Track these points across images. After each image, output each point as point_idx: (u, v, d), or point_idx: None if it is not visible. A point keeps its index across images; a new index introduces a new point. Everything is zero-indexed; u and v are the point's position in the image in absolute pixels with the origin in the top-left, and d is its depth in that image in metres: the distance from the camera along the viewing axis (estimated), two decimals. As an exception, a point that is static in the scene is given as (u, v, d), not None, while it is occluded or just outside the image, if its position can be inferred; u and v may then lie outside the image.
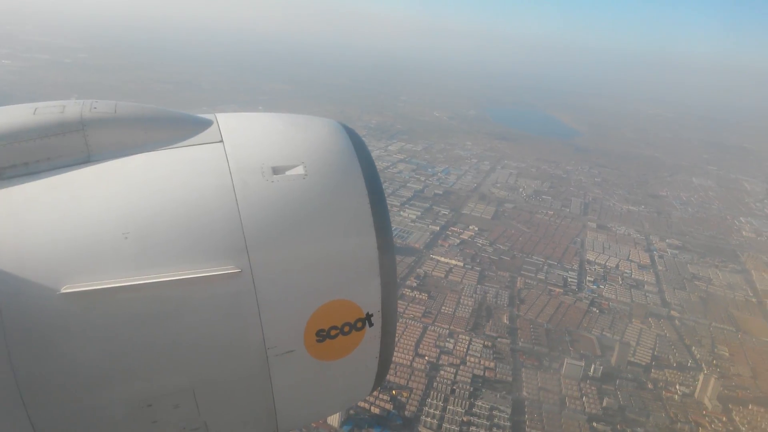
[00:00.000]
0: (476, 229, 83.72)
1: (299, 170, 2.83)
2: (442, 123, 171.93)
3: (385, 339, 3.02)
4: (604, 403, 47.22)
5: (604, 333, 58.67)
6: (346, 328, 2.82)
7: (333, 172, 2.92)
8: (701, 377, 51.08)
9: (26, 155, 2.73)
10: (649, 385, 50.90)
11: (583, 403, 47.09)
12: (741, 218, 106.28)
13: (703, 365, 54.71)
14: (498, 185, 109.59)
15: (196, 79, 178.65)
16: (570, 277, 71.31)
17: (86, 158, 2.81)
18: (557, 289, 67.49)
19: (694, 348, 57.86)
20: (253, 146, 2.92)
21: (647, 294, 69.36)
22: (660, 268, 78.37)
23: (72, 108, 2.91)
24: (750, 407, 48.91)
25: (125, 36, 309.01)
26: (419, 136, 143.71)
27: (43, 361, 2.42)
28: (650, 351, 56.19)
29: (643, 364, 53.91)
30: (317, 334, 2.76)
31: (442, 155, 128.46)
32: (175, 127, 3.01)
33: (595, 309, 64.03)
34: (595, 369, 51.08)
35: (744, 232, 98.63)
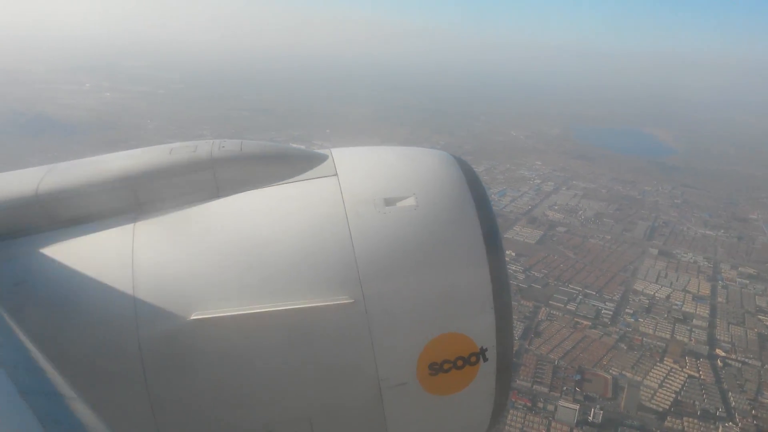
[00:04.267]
0: (513, 254, 78.69)
1: (410, 201, 2.88)
2: (517, 142, 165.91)
3: (501, 375, 2.97)
4: (594, 454, 42.14)
5: (623, 372, 52.53)
6: (460, 362, 2.81)
7: (444, 203, 2.95)
8: (720, 428, 44.03)
9: (163, 192, 3.00)
10: (659, 436, 44.71)
11: (568, 453, 42.30)
12: None
13: (736, 415, 47.11)
14: (555, 207, 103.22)
15: (274, 106, 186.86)
16: (606, 309, 64.84)
17: (215, 193, 3.03)
18: (585, 322, 61.75)
19: (731, 394, 50.02)
20: (365, 179, 3.03)
21: (693, 329, 61.29)
22: (720, 299, 69.23)
23: (203, 147, 3.15)
24: (782, 470, 41.39)
25: (220, 66, 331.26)
26: (485, 157, 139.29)
27: (174, 384, 2.59)
28: (674, 395, 49.41)
29: (660, 410, 47.34)
30: (430, 367, 2.77)
31: (503, 176, 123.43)
32: (293, 162, 3.17)
33: (623, 345, 57.64)
34: (595, 414, 45.80)
35: None
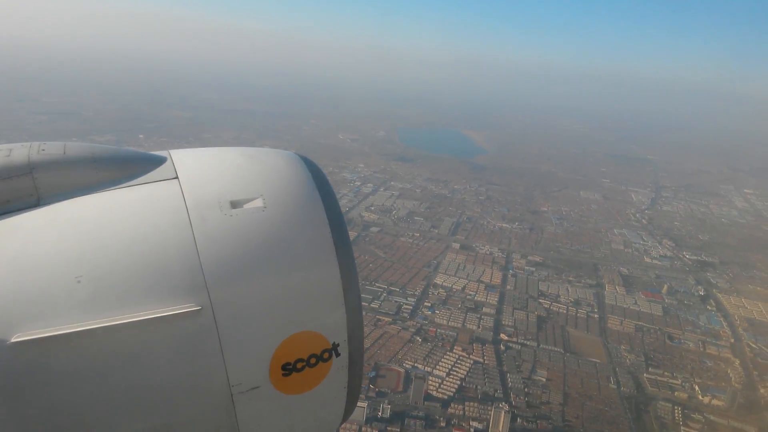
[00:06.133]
0: (324, 256, 78.84)
1: (258, 203, 2.80)
2: (343, 145, 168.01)
3: (353, 368, 3.01)
4: (378, 450, 42.75)
5: (416, 365, 54.43)
6: (313, 360, 2.80)
7: (293, 204, 2.89)
8: (492, 411, 47.29)
9: None
10: (441, 423, 46.65)
11: (354, 451, 42.43)
12: (615, 230, 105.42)
13: (511, 394, 50.99)
14: (372, 208, 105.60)
15: (80, 108, 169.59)
16: (406, 304, 67.08)
17: (36, 202, 2.75)
18: (386, 318, 63.24)
19: (509, 375, 54.20)
20: (209, 181, 2.89)
21: (483, 317, 65.73)
22: (509, 287, 75.33)
23: (19, 151, 2.86)
24: (545, 440, 45.34)
25: (15, 65, 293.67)
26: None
27: None
28: (459, 382, 52.18)
29: (445, 398, 49.65)
30: (283, 367, 2.72)
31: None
32: (127, 165, 2.95)
33: (418, 338, 59.87)
34: (383, 408, 46.63)
35: (613, 245, 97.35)
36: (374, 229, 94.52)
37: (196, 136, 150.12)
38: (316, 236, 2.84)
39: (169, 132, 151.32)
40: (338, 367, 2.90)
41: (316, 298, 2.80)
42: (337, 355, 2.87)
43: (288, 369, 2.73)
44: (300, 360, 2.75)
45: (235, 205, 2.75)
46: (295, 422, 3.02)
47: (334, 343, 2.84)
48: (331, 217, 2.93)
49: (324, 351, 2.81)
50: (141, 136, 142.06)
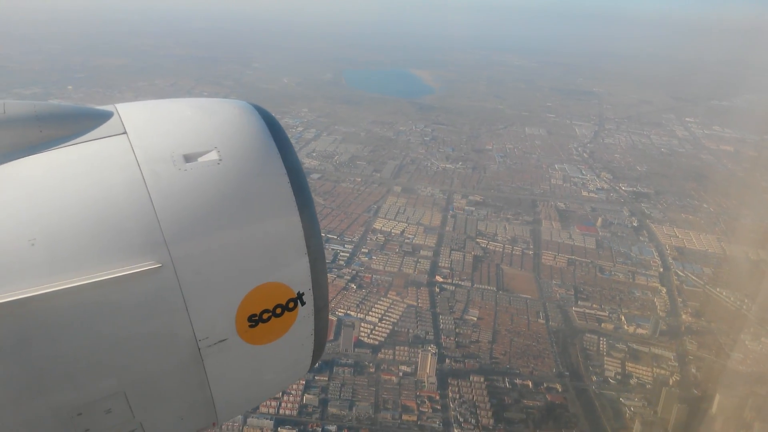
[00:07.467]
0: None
1: (213, 156, 2.75)
2: (287, 90, 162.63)
3: (319, 316, 3.08)
4: (304, 400, 42.78)
5: (349, 312, 54.37)
6: (278, 310, 2.83)
7: (249, 155, 2.85)
8: (420, 353, 47.87)
9: None
10: (371, 369, 47.05)
11: (280, 403, 42.30)
12: (556, 165, 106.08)
13: (442, 335, 51.65)
14: (314, 154, 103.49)
15: (1, 59, 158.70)
16: (343, 251, 66.51)
17: None
18: (321, 267, 62.60)
19: (441, 317, 54.77)
20: (160, 135, 2.82)
21: (420, 260, 65.81)
22: (448, 228, 75.43)
23: None
24: (472, 378, 46.21)
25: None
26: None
27: None
28: (391, 327, 52.47)
29: (376, 343, 49.98)
30: (249, 319, 2.75)
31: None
32: (72, 122, 2.85)
33: (353, 285, 59.73)
34: (312, 359, 46.58)
35: (553, 180, 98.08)
36: (315, 175, 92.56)
37: (130, 85, 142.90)
38: (275, 187, 2.80)
39: (100, 82, 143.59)
40: (304, 315, 2.92)
41: (279, 249, 2.79)
42: (303, 303, 2.87)
43: (254, 320, 2.74)
44: (266, 311, 2.76)
45: (188, 158, 2.67)
46: (265, 371, 3.07)
47: (299, 292, 2.83)
48: (289, 166, 2.87)
49: (289, 300, 2.82)
50: (69, 87, 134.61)
